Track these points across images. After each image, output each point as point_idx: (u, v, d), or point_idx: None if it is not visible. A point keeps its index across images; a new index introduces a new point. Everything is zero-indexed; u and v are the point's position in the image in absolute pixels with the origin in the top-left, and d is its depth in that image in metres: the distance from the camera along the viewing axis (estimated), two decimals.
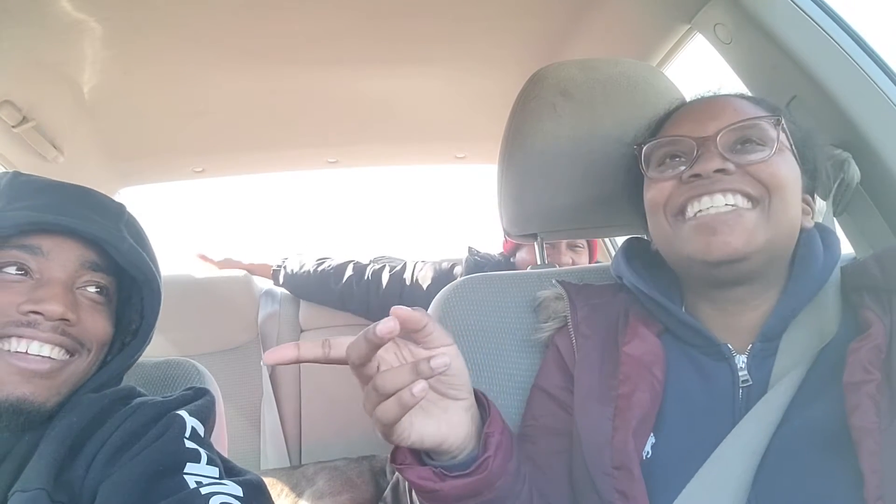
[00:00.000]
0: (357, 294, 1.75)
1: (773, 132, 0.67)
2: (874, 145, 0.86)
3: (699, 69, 1.24)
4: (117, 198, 1.88)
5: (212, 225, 2.83)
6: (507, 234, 0.98)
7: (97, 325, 0.70)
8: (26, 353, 0.64)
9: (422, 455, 0.58)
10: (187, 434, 0.65)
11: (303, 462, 1.73)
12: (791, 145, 0.70)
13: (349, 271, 1.78)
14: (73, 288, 0.69)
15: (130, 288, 0.76)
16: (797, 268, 0.68)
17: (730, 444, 0.61)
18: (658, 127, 0.77)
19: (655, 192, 0.71)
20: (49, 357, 0.65)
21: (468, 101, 1.68)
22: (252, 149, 1.86)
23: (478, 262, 1.63)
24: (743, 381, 0.65)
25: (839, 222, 0.93)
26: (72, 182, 0.75)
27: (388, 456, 1.65)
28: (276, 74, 1.46)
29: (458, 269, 1.67)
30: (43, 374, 0.64)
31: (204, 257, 1.96)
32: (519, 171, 0.90)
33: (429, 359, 0.48)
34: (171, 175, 2.00)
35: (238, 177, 2.12)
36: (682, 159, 0.70)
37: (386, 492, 1.48)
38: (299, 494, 1.49)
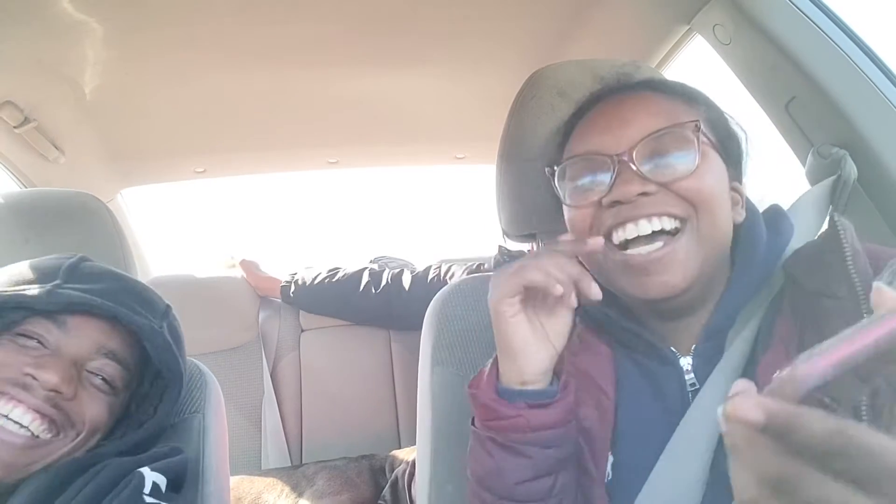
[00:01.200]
0: (377, 302, 1.68)
1: (693, 137, 0.61)
2: (873, 145, 0.86)
3: (699, 70, 1.25)
4: (119, 198, 1.90)
5: (212, 225, 2.83)
6: (505, 234, 0.98)
7: (94, 409, 0.70)
8: (7, 416, 0.63)
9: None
10: (147, 490, 0.64)
11: (304, 461, 1.74)
12: (713, 141, 0.64)
13: (365, 278, 1.72)
14: (80, 366, 0.69)
15: (152, 385, 0.78)
16: (738, 265, 0.64)
17: (675, 444, 0.60)
18: (568, 129, 0.72)
19: (577, 220, 0.66)
20: (27, 428, 0.64)
21: (468, 101, 1.69)
22: (253, 149, 1.86)
23: (505, 264, 1.59)
24: (690, 385, 0.62)
25: None
26: (73, 183, 0.76)
27: (388, 454, 1.65)
28: (277, 75, 1.46)
29: (486, 267, 1.62)
30: (14, 447, 0.63)
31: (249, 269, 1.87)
32: (517, 171, 0.90)
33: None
34: (172, 175, 2.01)
35: (239, 177, 2.13)
36: (600, 178, 0.64)
37: (385, 490, 1.48)
38: (299, 494, 1.49)
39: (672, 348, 0.64)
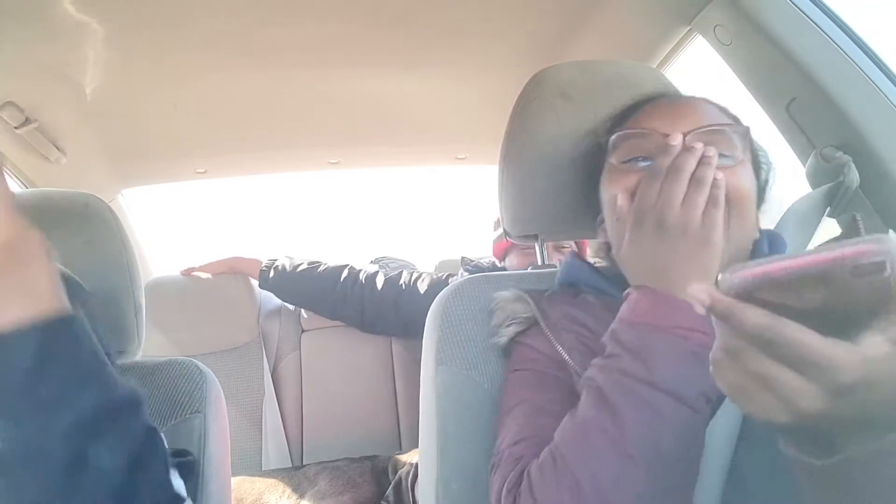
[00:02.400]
0: (351, 299, 1.70)
1: (739, 142, 0.67)
2: (874, 147, 0.86)
3: (700, 71, 1.25)
4: (121, 198, 1.90)
5: (215, 225, 2.83)
6: (507, 234, 0.98)
7: None
8: None
9: None
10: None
11: (304, 462, 1.74)
12: (751, 158, 0.70)
13: (344, 273, 1.73)
14: None
15: None
16: None
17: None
18: (622, 119, 0.76)
19: (619, 186, 0.68)
20: None
21: (468, 102, 1.69)
22: (254, 150, 1.87)
23: (471, 273, 1.60)
24: None
25: (839, 223, 0.93)
26: (74, 183, 0.75)
27: (391, 456, 1.66)
28: (279, 76, 1.46)
29: (454, 279, 1.63)
30: None
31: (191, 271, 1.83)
32: (519, 172, 0.90)
33: None
34: (173, 176, 2.01)
35: (240, 178, 2.13)
36: (647, 157, 0.67)
37: (388, 491, 1.48)
38: (301, 495, 1.49)
39: None
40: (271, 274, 1.75)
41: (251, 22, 1.22)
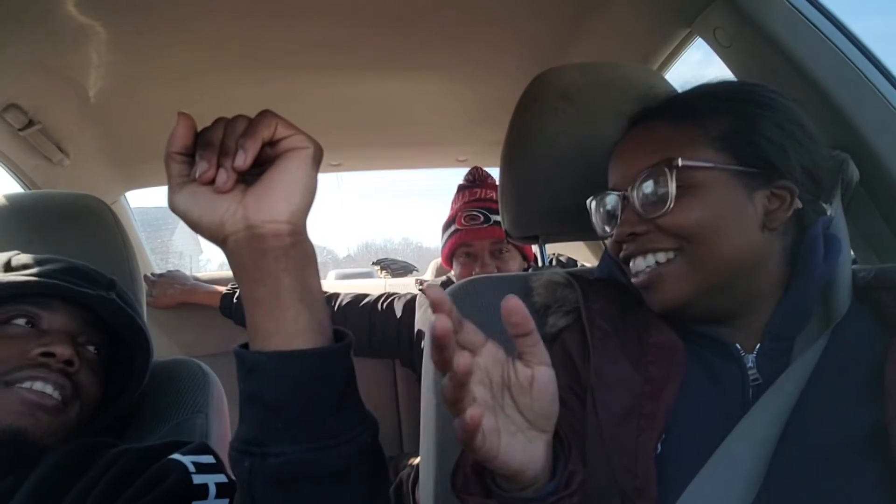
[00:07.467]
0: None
1: (668, 178, 0.65)
2: (874, 148, 0.87)
3: (699, 73, 1.25)
4: (123, 200, 1.91)
5: None
6: (508, 235, 0.99)
7: (91, 382, 0.73)
8: (31, 389, 0.66)
9: (487, 483, 0.54)
10: (192, 469, 0.63)
11: None
12: (726, 158, 0.65)
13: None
14: (76, 340, 0.72)
15: (120, 352, 0.79)
16: (799, 269, 0.66)
17: (736, 437, 0.60)
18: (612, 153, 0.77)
19: (609, 245, 0.74)
20: (51, 396, 0.67)
21: (470, 105, 1.69)
22: None
23: (392, 270, 1.58)
24: (753, 380, 0.64)
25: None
26: (77, 185, 0.76)
27: (392, 457, 1.65)
28: (281, 79, 1.47)
29: (419, 300, 1.59)
30: (47, 409, 0.66)
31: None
32: (521, 174, 0.91)
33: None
34: None
35: None
36: (613, 213, 0.72)
37: (389, 491, 1.48)
38: None
39: (737, 345, 0.67)
40: (235, 299, 1.64)
41: (253, 25, 1.23)
